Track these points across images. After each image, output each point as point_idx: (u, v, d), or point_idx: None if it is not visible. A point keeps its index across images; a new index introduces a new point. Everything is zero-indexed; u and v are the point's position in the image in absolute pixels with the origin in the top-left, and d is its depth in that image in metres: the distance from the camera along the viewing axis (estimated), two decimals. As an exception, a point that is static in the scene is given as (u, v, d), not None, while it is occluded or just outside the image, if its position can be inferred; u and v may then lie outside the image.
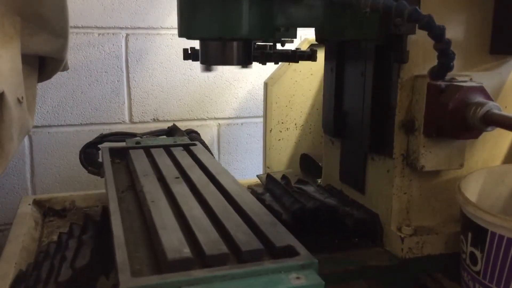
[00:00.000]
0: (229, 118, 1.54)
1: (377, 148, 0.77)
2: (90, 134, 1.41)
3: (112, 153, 0.92)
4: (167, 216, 0.60)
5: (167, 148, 0.94)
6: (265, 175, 1.02)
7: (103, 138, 1.04)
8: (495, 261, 0.62)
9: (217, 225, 0.59)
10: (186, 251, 0.50)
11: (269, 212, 0.63)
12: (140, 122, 1.46)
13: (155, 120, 1.47)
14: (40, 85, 1.23)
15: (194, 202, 0.66)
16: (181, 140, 1.01)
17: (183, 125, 1.47)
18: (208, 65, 0.70)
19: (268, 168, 1.21)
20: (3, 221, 1.38)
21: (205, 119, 1.52)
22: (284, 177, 0.98)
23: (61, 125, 1.39)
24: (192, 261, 0.49)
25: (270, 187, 0.94)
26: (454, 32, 0.73)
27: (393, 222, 0.75)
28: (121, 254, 0.51)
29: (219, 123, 1.53)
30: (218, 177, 0.77)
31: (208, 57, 0.69)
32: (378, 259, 0.73)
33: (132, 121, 1.45)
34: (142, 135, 1.06)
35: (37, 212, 1.03)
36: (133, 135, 1.05)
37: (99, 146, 1.03)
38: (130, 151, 0.92)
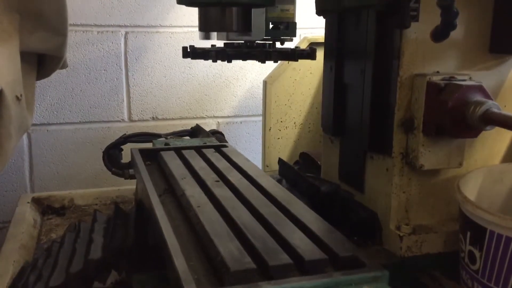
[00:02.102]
0: (228, 116, 1.54)
1: (376, 147, 0.77)
2: (89, 132, 1.41)
3: (141, 155, 0.90)
4: (218, 223, 0.58)
5: (198, 150, 0.92)
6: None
7: (126, 139, 1.02)
8: (494, 259, 0.62)
9: (271, 233, 0.56)
10: (248, 261, 0.48)
11: (323, 219, 0.60)
12: (139, 120, 1.46)
13: (154, 118, 1.47)
14: (39, 83, 1.23)
15: (241, 207, 0.64)
16: (210, 141, 0.99)
17: (182, 124, 1.47)
18: (207, 32, 0.69)
19: (267, 166, 1.21)
20: (1, 219, 1.38)
21: (204, 118, 1.52)
22: (297, 162, 0.96)
23: (60, 123, 1.39)
24: (255, 273, 0.47)
25: (284, 172, 0.92)
26: (453, 31, 0.73)
27: (392, 220, 0.75)
28: (180, 264, 0.49)
29: (218, 122, 1.53)
30: (258, 180, 0.74)
31: (207, 23, 0.68)
32: (377, 258, 0.73)
33: (131, 120, 1.45)
34: (166, 135, 1.04)
35: (35, 210, 1.03)
36: (156, 135, 1.03)
37: (122, 147, 1.02)
38: (162, 153, 0.89)
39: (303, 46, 1.17)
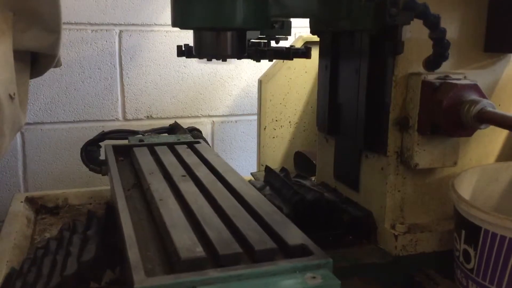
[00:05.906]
0: (223, 115, 1.54)
1: (371, 146, 0.77)
2: (83, 131, 1.40)
3: (115, 151, 0.91)
4: (177, 215, 0.60)
5: (171, 146, 0.93)
6: (260, 173, 1.02)
7: (104, 135, 1.02)
8: (488, 258, 0.62)
9: (228, 224, 0.58)
10: (199, 250, 0.50)
11: (280, 211, 0.62)
12: (133, 119, 1.45)
13: (149, 117, 1.46)
14: (32, 82, 1.22)
15: (203, 200, 0.65)
16: (185, 138, 1.00)
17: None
18: (202, 57, 0.69)
19: (262, 165, 1.20)
20: (-5, 218, 1.37)
21: (199, 117, 1.51)
22: (283, 169, 0.97)
23: (54, 122, 1.38)
24: (205, 261, 0.49)
25: (269, 179, 0.93)
26: (448, 30, 0.72)
27: (387, 219, 0.75)
28: (133, 253, 0.50)
29: (213, 121, 1.53)
30: (225, 175, 0.76)
31: (202, 48, 0.69)
32: (372, 257, 0.73)
33: (125, 118, 1.44)
34: (144, 132, 1.05)
35: (29, 210, 1.02)
36: (134, 132, 1.04)
37: (100, 144, 1.02)
38: (134, 149, 0.91)
39: (298, 45, 1.17)
